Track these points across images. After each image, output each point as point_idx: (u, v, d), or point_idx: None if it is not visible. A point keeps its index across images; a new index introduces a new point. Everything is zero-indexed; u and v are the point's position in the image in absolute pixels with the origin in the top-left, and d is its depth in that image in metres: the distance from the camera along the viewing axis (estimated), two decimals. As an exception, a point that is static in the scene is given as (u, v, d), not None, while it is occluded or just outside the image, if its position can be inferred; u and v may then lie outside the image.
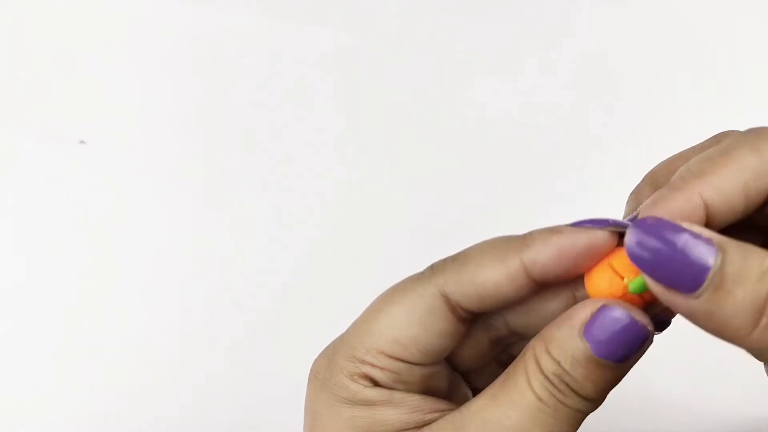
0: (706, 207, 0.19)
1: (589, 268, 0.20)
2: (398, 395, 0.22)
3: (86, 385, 0.39)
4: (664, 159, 0.24)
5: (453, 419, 0.21)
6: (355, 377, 0.22)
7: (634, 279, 0.19)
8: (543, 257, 0.20)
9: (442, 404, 0.22)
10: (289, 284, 0.42)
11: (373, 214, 0.43)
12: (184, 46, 0.47)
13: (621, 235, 0.20)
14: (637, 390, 0.39)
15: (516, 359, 0.21)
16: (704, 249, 0.17)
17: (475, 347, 0.24)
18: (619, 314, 0.19)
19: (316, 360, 0.23)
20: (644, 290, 0.19)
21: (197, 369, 0.40)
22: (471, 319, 0.22)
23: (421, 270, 0.22)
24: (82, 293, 0.41)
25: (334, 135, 0.45)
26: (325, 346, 0.24)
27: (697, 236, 0.17)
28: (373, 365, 0.21)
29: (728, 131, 0.23)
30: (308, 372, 0.24)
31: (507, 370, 0.21)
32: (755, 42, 0.47)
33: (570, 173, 0.44)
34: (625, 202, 0.25)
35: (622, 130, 0.45)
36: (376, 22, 0.48)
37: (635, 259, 0.18)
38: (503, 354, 0.24)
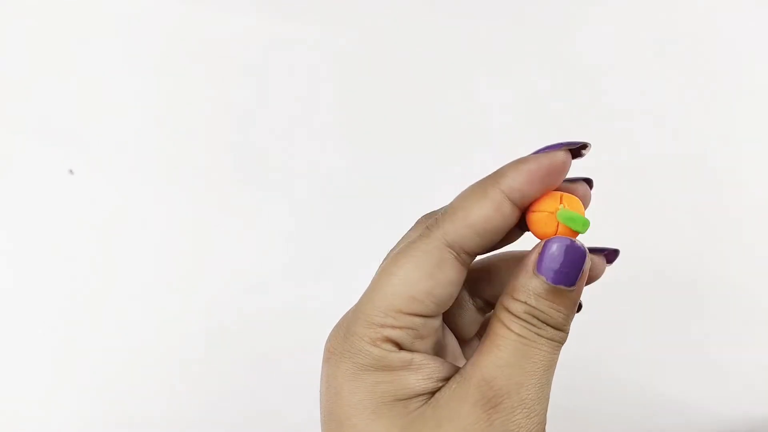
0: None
1: (553, 186, 0.24)
2: (418, 358, 0.24)
3: (85, 385, 0.39)
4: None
5: (456, 379, 0.23)
6: (378, 342, 0.23)
7: (564, 209, 0.24)
8: (518, 183, 0.24)
9: (452, 369, 0.24)
10: (289, 284, 0.42)
11: (373, 214, 0.43)
12: (184, 45, 0.47)
13: (573, 154, 0.24)
14: (637, 390, 0.39)
15: (491, 319, 0.24)
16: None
17: (467, 316, 0.28)
18: (560, 241, 0.23)
19: (329, 338, 0.24)
20: (572, 220, 0.24)
21: (196, 369, 0.40)
22: (471, 261, 0.25)
23: (410, 230, 0.26)
24: (81, 293, 0.41)
25: (334, 135, 0.45)
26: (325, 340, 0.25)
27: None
28: (393, 326, 0.23)
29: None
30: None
31: (487, 328, 0.24)
32: (756, 43, 0.47)
33: (569, 173, 0.44)
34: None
35: (622, 130, 0.45)
36: (377, 22, 0.48)
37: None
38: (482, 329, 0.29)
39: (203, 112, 0.46)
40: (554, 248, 0.23)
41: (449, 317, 0.27)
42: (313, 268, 0.42)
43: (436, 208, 0.27)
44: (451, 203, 0.25)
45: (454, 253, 0.24)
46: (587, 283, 0.25)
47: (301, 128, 0.45)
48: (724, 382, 0.39)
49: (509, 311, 0.23)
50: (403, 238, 0.26)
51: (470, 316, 0.28)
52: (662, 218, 0.43)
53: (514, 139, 0.45)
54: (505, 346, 0.23)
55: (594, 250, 0.26)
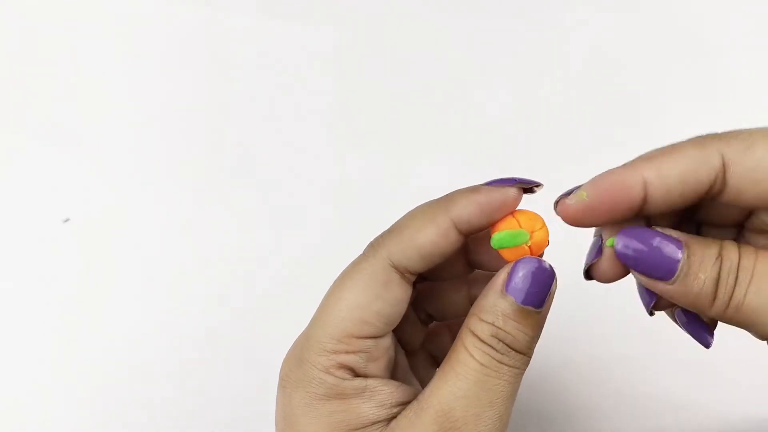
0: (646, 185, 0.22)
1: (500, 219, 0.24)
2: (372, 384, 0.24)
3: (84, 385, 0.39)
4: None
5: (413, 406, 0.23)
6: (331, 369, 0.23)
7: (539, 231, 0.24)
8: (467, 213, 0.24)
9: (407, 392, 0.24)
10: (288, 285, 0.42)
11: (372, 213, 0.43)
12: (183, 45, 0.47)
13: (525, 191, 0.24)
14: (637, 390, 0.39)
15: (455, 341, 0.24)
16: (673, 246, 0.22)
17: (412, 329, 0.28)
18: (529, 262, 0.23)
19: (283, 365, 0.24)
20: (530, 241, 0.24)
21: (196, 369, 0.40)
22: (416, 280, 0.25)
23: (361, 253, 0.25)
24: (80, 293, 0.41)
25: (334, 135, 0.45)
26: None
27: (666, 237, 0.22)
28: (347, 351, 0.23)
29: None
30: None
31: (449, 352, 0.24)
32: (757, 42, 0.47)
33: (569, 173, 0.44)
34: None
35: (621, 130, 0.45)
36: (376, 22, 0.48)
37: (623, 258, 0.23)
38: (430, 344, 0.29)
39: (202, 112, 0.46)
40: (523, 269, 0.23)
41: (395, 331, 0.27)
42: (316, 271, 0.42)
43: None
44: (397, 222, 0.25)
45: (399, 273, 0.24)
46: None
47: (301, 128, 0.45)
48: (724, 382, 0.39)
49: (474, 334, 0.23)
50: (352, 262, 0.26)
51: (415, 329, 0.28)
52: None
53: (513, 138, 0.45)
54: (466, 375, 0.23)
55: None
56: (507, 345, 0.23)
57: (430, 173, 0.44)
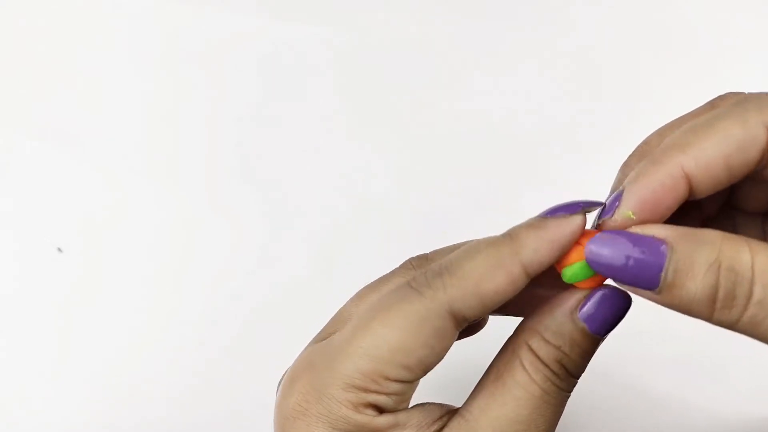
0: (688, 179, 0.20)
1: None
2: (402, 416, 0.22)
3: (84, 385, 0.39)
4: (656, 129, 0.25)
5: (459, 427, 0.21)
6: (360, 408, 0.21)
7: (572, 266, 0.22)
8: (540, 256, 0.21)
9: (435, 412, 0.22)
10: (288, 285, 0.42)
11: (372, 213, 0.43)
12: (183, 45, 0.47)
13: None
14: (637, 390, 0.39)
15: (503, 355, 0.22)
16: (656, 252, 0.19)
17: None
18: (612, 291, 0.21)
19: (295, 393, 0.22)
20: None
21: (195, 370, 0.40)
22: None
23: (408, 282, 0.22)
24: (80, 294, 0.41)
25: (334, 135, 0.45)
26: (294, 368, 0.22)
27: (644, 240, 0.20)
28: (377, 392, 0.21)
29: (726, 94, 0.23)
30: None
31: (496, 367, 0.22)
32: (750, 41, 0.47)
33: (569, 173, 0.44)
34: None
35: (621, 130, 0.45)
36: (376, 22, 0.48)
37: (596, 267, 0.20)
38: None
39: (203, 112, 0.46)
40: (606, 300, 0.21)
41: None
42: (316, 271, 0.42)
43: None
44: (457, 261, 0.21)
45: (455, 321, 0.21)
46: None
47: (301, 129, 0.45)
48: (724, 382, 0.39)
49: (537, 355, 0.21)
50: (383, 279, 0.24)
51: None
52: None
53: (513, 138, 0.45)
54: (527, 400, 0.21)
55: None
56: (567, 371, 0.21)
57: (431, 174, 0.44)
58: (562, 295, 0.22)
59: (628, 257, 0.20)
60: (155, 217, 0.43)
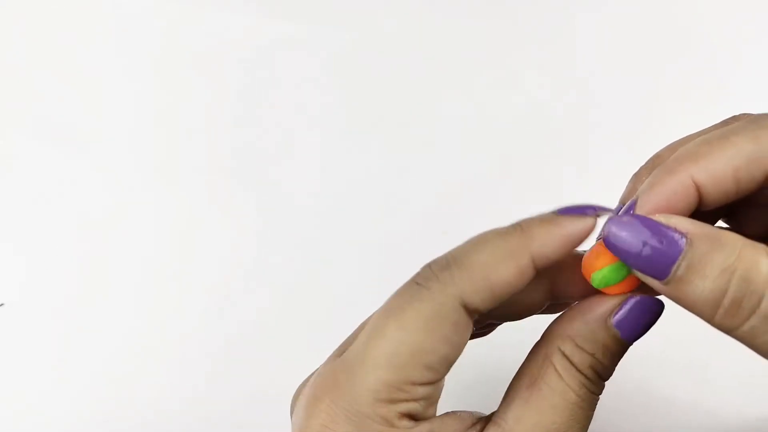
0: (698, 189, 0.20)
1: (591, 253, 0.22)
2: (437, 424, 0.21)
3: (84, 385, 0.39)
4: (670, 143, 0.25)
5: None
6: (395, 420, 0.21)
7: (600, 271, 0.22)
8: (549, 249, 0.21)
9: (467, 420, 0.22)
10: (288, 285, 0.42)
11: (373, 213, 0.43)
12: (183, 45, 0.47)
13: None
14: (637, 390, 0.39)
15: (535, 361, 0.22)
16: (675, 242, 0.19)
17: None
18: (647, 299, 0.21)
19: (321, 414, 0.21)
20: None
21: (195, 370, 0.40)
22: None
23: (413, 279, 0.22)
24: (80, 293, 0.41)
25: (334, 135, 0.45)
26: (315, 376, 0.22)
27: (665, 230, 0.20)
28: (407, 400, 0.21)
29: (741, 114, 0.23)
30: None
31: (529, 373, 0.22)
32: (756, 42, 0.47)
33: (569, 173, 0.44)
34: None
35: (621, 130, 0.45)
36: (376, 22, 0.48)
37: (611, 248, 0.20)
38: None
39: (202, 112, 0.46)
40: (641, 308, 0.21)
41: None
42: (316, 271, 0.42)
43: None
44: (465, 253, 0.21)
45: (468, 313, 0.21)
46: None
47: (300, 129, 0.45)
48: (723, 382, 0.39)
49: (571, 362, 0.21)
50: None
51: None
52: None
53: (513, 138, 0.45)
54: (563, 408, 0.21)
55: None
56: (599, 376, 0.22)
57: (431, 174, 0.44)
58: (592, 300, 0.22)
59: (644, 243, 0.20)
60: (154, 217, 0.43)
